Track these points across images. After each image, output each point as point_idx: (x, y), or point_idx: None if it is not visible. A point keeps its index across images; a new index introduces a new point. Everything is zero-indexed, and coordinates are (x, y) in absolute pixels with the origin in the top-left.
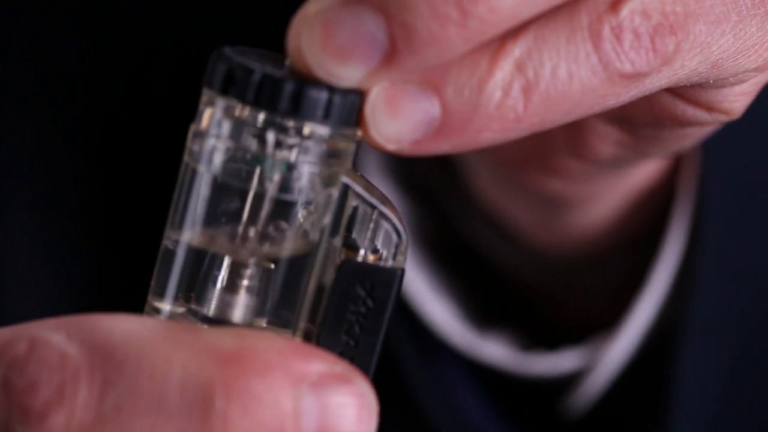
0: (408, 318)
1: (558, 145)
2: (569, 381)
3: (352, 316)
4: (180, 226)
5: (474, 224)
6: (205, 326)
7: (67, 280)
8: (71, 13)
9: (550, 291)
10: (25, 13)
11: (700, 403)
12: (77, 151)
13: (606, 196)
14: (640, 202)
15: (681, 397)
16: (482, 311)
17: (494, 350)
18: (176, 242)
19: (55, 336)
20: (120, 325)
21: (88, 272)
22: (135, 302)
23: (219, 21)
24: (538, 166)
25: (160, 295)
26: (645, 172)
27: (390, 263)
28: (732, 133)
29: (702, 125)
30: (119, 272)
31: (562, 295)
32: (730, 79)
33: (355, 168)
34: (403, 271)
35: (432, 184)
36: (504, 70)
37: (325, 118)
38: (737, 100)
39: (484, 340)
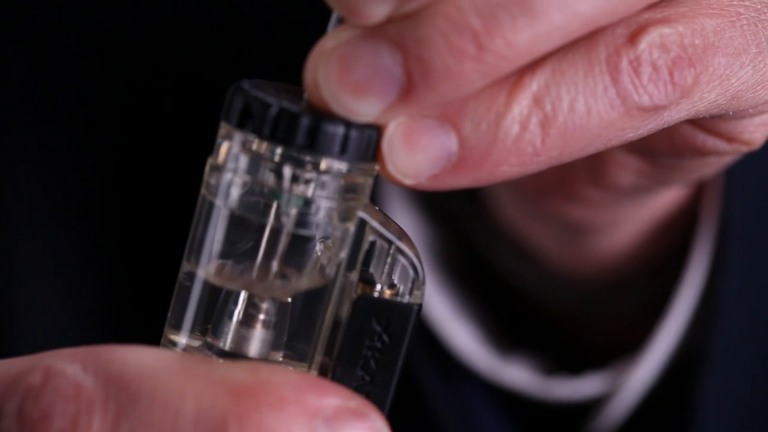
0: (430, 343)
1: (579, 174)
2: (592, 406)
3: (368, 351)
4: (197, 259)
5: (497, 248)
6: (220, 360)
7: (86, 308)
8: (85, 28)
9: (573, 315)
10: (39, 23)
11: (722, 428)
12: (93, 173)
13: (628, 222)
14: (662, 227)
15: (704, 423)
16: (505, 335)
17: (517, 375)
18: (192, 275)
19: (70, 366)
20: (134, 357)
21: (107, 300)
22: (154, 331)
23: (237, 44)
24: (560, 194)
25: (177, 327)
26: (667, 198)
27: (406, 299)
28: (755, 159)
29: (722, 155)
30: (138, 300)
31: (585, 320)
32: (750, 110)
33: (380, 191)
34: (420, 306)
35: (455, 208)
36: (521, 104)
37: (342, 153)
38: (757, 131)
39: (507, 364)
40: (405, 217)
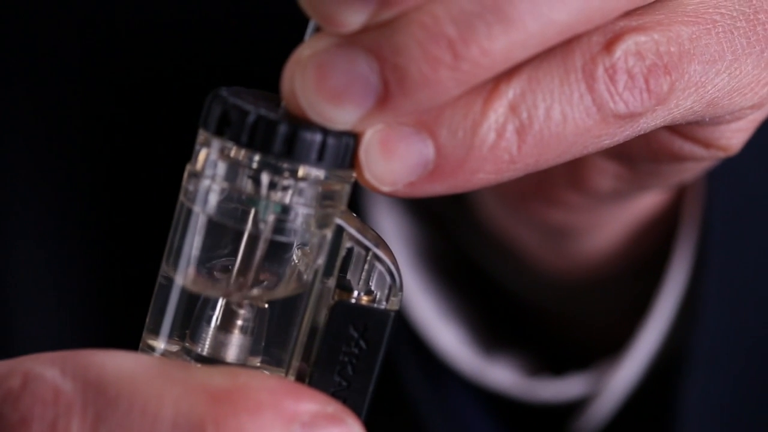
0: (416, 343)
1: (559, 179)
2: (576, 406)
3: (345, 357)
4: (175, 265)
5: (483, 248)
6: (198, 364)
7: (79, 311)
8: (80, 30)
9: (557, 316)
10: (33, 25)
11: (704, 429)
12: (87, 176)
13: (609, 225)
14: (643, 230)
15: (686, 424)
16: (490, 335)
17: (501, 376)
18: (170, 281)
19: (49, 371)
20: (113, 362)
21: (100, 303)
22: (137, 335)
23: (231, 48)
24: (540, 199)
25: (155, 332)
26: (648, 201)
27: (383, 305)
28: (736, 163)
29: (700, 161)
30: (131, 304)
31: (569, 320)
32: (726, 116)
33: (366, 190)
34: (396, 313)
35: (441, 208)
36: (498, 111)
37: (319, 160)
38: (734, 137)
39: (491, 365)
40: (391, 217)
